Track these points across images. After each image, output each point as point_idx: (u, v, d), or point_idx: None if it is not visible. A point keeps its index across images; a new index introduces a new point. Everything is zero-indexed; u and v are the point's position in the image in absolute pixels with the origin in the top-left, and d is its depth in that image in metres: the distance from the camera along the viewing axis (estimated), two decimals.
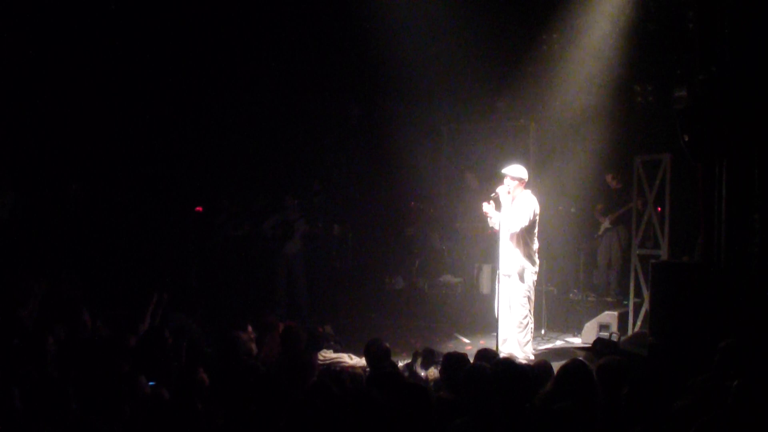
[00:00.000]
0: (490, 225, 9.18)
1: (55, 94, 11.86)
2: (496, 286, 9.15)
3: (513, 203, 8.97)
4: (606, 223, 12.53)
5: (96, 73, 12.25)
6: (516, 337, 8.92)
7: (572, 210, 12.84)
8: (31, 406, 4.93)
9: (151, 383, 5.52)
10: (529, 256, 8.98)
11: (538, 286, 9.60)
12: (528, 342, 8.97)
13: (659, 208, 10.59)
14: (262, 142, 13.99)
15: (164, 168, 13.29)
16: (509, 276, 9.01)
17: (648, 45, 11.54)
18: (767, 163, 7.86)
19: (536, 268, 9.11)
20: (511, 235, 8.96)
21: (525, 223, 8.84)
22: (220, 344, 7.31)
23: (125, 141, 12.81)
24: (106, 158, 12.63)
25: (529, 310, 9.01)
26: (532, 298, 9.09)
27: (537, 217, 9.01)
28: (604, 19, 11.84)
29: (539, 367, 6.11)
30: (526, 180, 9.07)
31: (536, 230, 9.08)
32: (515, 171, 9.03)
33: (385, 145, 14.50)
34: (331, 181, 14.57)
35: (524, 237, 8.94)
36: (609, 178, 12.52)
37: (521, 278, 8.95)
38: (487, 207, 9.06)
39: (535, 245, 9.07)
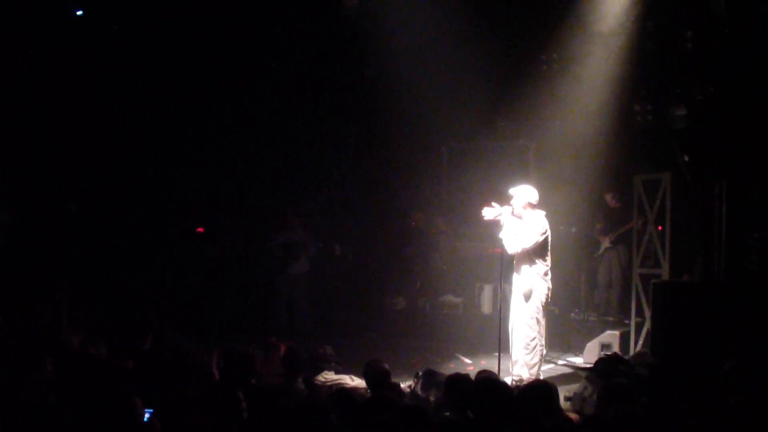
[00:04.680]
0: (500, 235, 9.05)
1: (51, 110, 11.90)
2: (510, 306, 9.11)
3: (521, 223, 8.91)
4: (606, 243, 12.52)
5: (93, 89, 12.29)
6: (523, 358, 8.87)
7: (572, 230, 12.84)
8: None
9: (148, 411, 5.46)
10: (538, 277, 8.86)
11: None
12: (535, 365, 8.81)
13: (659, 227, 10.59)
14: (260, 161, 14.00)
15: (163, 186, 13.31)
16: (517, 296, 8.98)
17: (647, 65, 11.57)
18: (766, 182, 7.89)
19: (546, 290, 8.91)
20: (519, 255, 8.91)
21: (529, 243, 8.72)
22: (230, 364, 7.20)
23: (124, 158, 12.84)
24: (104, 176, 12.65)
25: (539, 332, 8.84)
26: (542, 320, 8.89)
27: (548, 238, 8.92)
28: (603, 39, 11.88)
29: (542, 388, 6.07)
30: (534, 201, 8.95)
31: (548, 251, 8.96)
32: (521, 191, 8.94)
33: (385, 165, 14.54)
34: (330, 201, 14.57)
35: (532, 257, 8.83)
36: (609, 197, 12.53)
37: (528, 299, 8.89)
38: (489, 211, 9.00)
39: (545, 266, 8.93)
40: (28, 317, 8.36)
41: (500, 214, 8.91)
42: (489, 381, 5.71)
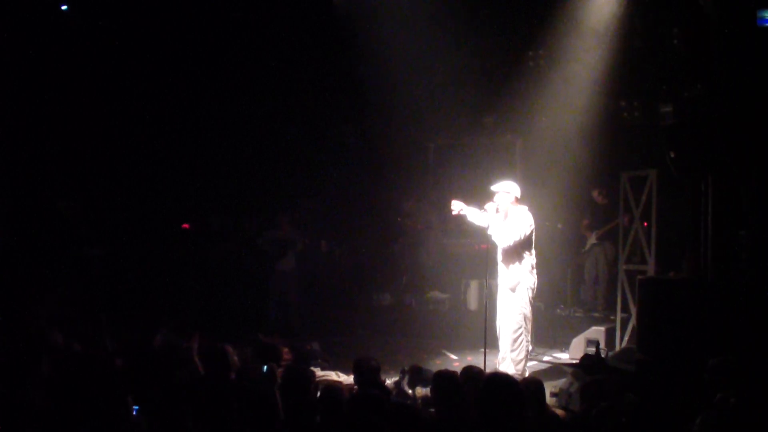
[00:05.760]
0: (487, 228, 9.07)
1: (43, 108, 11.83)
2: (496, 302, 9.14)
3: (506, 219, 8.95)
4: (592, 239, 12.56)
5: (87, 87, 12.25)
6: (509, 355, 8.90)
7: (559, 226, 12.86)
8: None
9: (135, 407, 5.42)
10: (526, 272, 8.92)
11: None
12: (521, 361, 8.86)
13: (645, 224, 10.62)
14: (251, 159, 13.96)
15: (155, 184, 13.25)
16: (503, 292, 9.01)
17: (634, 62, 11.60)
18: (752, 179, 7.91)
19: (533, 284, 8.98)
20: (504, 251, 8.94)
21: (518, 238, 8.78)
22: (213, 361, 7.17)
23: (117, 157, 12.79)
24: (97, 174, 12.59)
25: (525, 328, 8.90)
26: (529, 315, 8.94)
27: (533, 233, 8.97)
28: (590, 35, 11.90)
29: (528, 385, 6.09)
30: (519, 196, 9.04)
31: (533, 246, 9.01)
32: (504, 187, 9.01)
33: (372, 162, 14.52)
34: (318, 198, 14.55)
35: (520, 252, 8.88)
36: (595, 193, 12.55)
37: (515, 294, 8.92)
38: (456, 204, 9.10)
39: (532, 261, 8.98)
40: (24, 317, 8.30)
41: (462, 209, 9.03)
42: (500, 377, 5.66)
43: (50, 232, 11.51)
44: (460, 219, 9.34)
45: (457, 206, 9.11)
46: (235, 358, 7.24)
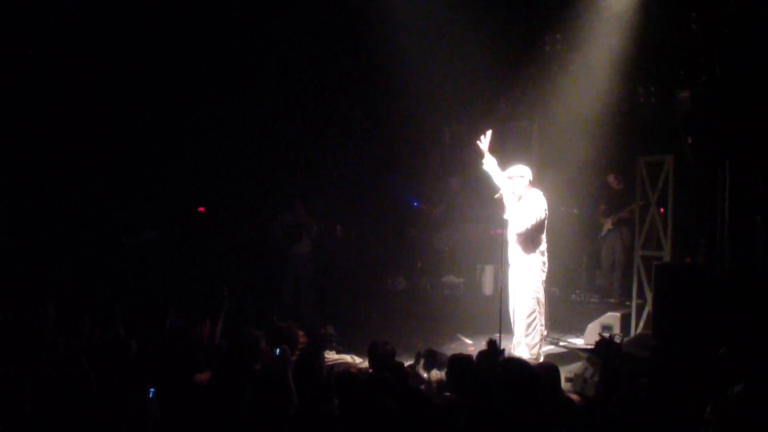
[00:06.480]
0: (498, 195, 9.07)
1: (54, 94, 11.84)
2: (508, 286, 9.16)
3: (520, 202, 8.96)
4: (609, 224, 12.51)
5: (95, 74, 12.25)
6: (524, 339, 8.93)
7: (575, 211, 12.84)
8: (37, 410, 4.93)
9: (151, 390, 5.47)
10: (539, 255, 8.96)
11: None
12: (535, 345, 8.94)
13: (662, 210, 10.57)
14: (264, 145, 13.96)
15: (165, 171, 13.27)
16: (516, 275, 9.02)
17: (651, 46, 11.51)
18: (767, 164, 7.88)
19: (544, 268, 9.03)
20: (518, 234, 8.96)
21: (533, 221, 8.82)
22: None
23: (128, 146, 12.82)
24: (106, 163, 12.62)
25: (539, 312, 8.96)
26: (542, 299, 9.01)
27: (546, 216, 8.99)
28: (607, 20, 11.81)
29: (543, 370, 6.09)
30: (531, 179, 9.06)
31: (545, 230, 9.04)
32: (516, 171, 9.03)
33: (388, 146, 14.50)
34: (334, 183, 14.54)
35: (533, 236, 8.92)
36: (611, 179, 12.50)
37: (527, 278, 8.94)
38: (482, 143, 9.12)
39: (544, 245, 9.03)
40: (25, 317, 8.37)
41: (501, 196, 8.97)
42: (516, 362, 5.67)
43: (50, 232, 11.56)
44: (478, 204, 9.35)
45: (485, 143, 9.14)
46: (263, 347, 7.26)
